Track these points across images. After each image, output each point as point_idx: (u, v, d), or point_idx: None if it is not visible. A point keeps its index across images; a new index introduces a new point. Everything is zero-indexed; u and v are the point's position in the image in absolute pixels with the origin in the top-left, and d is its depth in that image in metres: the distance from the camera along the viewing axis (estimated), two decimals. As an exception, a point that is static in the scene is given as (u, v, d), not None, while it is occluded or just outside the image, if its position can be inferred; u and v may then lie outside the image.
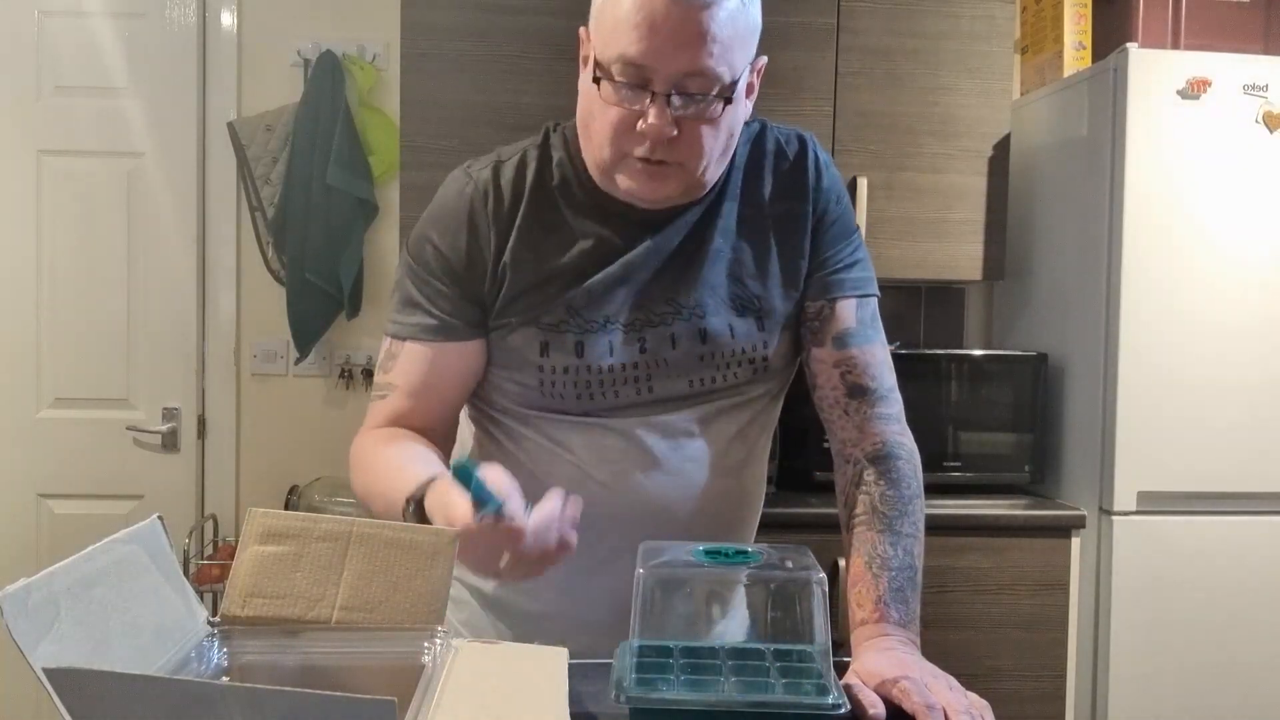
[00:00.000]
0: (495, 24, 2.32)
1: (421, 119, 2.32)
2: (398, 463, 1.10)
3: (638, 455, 1.15)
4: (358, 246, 2.70)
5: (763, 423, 1.23)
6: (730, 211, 1.17)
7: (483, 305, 1.15)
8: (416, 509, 0.98)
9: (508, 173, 1.15)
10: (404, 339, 1.17)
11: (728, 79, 1.02)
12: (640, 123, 1.01)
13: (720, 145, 1.07)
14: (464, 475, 0.89)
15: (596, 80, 1.03)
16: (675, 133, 1.01)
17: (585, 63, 1.10)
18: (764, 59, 1.09)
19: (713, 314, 1.15)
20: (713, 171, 1.10)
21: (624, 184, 1.07)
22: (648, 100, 1.01)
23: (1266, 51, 2.46)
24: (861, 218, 2.40)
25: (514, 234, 1.13)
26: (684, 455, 1.16)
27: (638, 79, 1.00)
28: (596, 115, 1.06)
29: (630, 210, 1.12)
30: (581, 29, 1.11)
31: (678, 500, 1.16)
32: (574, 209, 1.14)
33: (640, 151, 1.04)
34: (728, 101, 1.03)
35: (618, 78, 1.01)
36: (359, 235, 2.70)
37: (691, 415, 1.16)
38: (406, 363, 1.17)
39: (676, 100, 1.01)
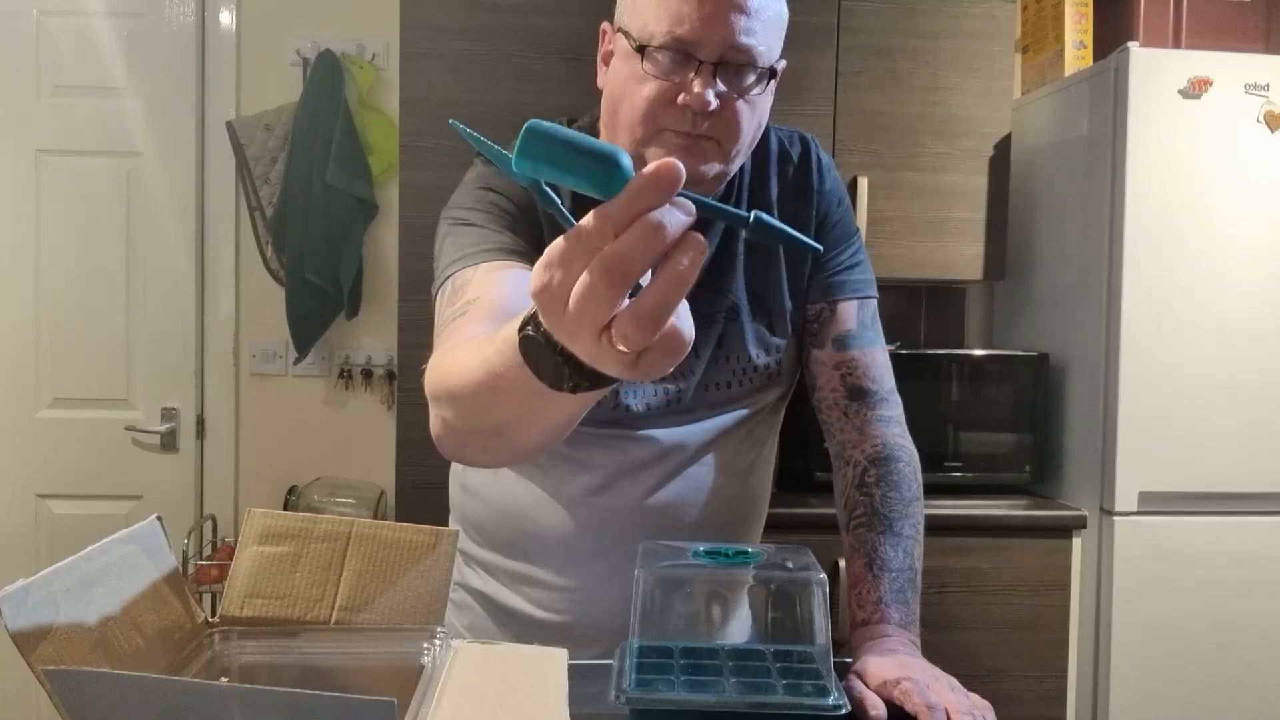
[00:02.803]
0: (495, 24, 2.32)
1: (421, 118, 2.32)
2: (492, 331, 0.78)
3: (659, 466, 1.15)
4: (357, 246, 2.70)
5: (770, 424, 1.24)
6: None
7: None
8: (535, 324, 0.63)
9: None
10: (478, 264, 1.02)
11: (766, 59, 1.03)
12: (682, 95, 1.01)
13: (751, 132, 1.07)
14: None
15: (640, 49, 1.02)
16: (716, 104, 1.01)
17: (606, 60, 1.10)
18: (784, 62, 1.09)
19: (732, 323, 1.15)
20: (740, 159, 1.09)
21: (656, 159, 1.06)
22: (691, 73, 1.01)
23: (1268, 51, 2.46)
24: (861, 218, 2.40)
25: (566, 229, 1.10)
26: (701, 462, 1.16)
27: (682, 50, 1.01)
28: (630, 94, 1.04)
29: None
30: (604, 24, 1.10)
31: (691, 505, 1.16)
32: None
33: (679, 126, 1.03)
34: (772, 76, 1.04)
35: (661, 52, 1.01)
36: (358, 235, 2.70)
37: (707, 421, 1.16)
38: (485, 279, 1.00)
39: (719, 76, 1.01)
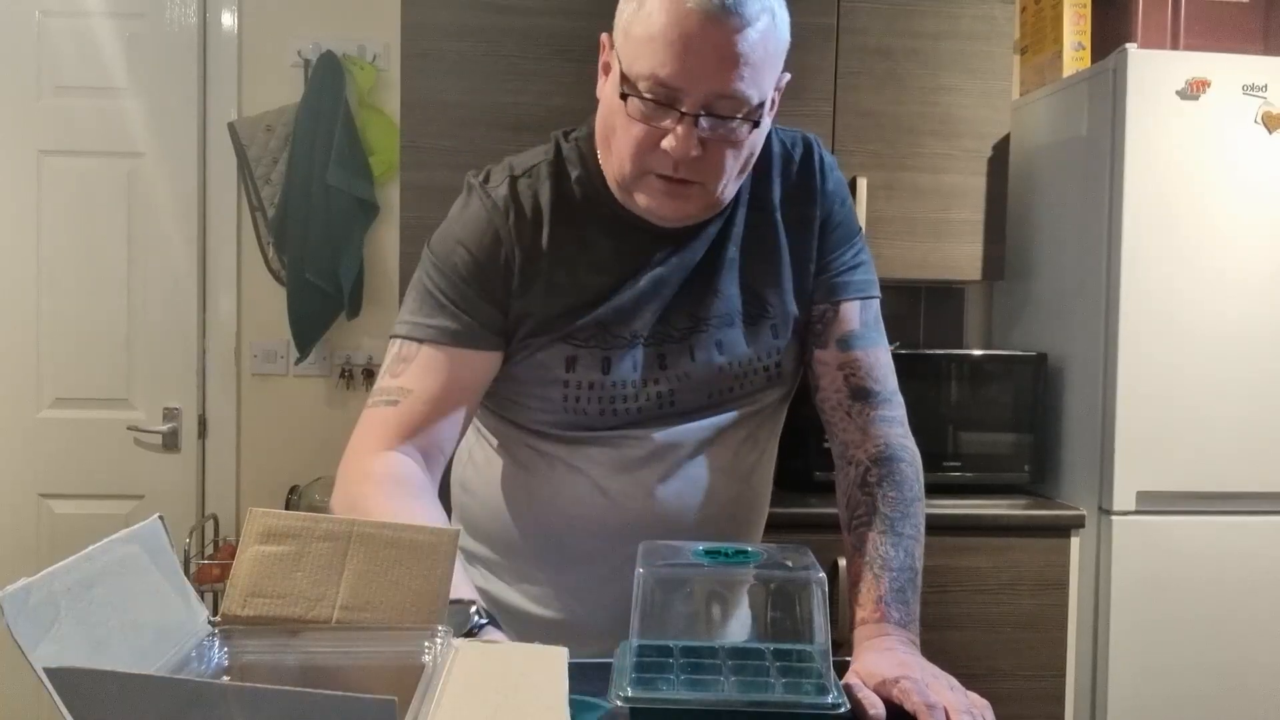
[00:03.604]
0: (495, 24, 2.32)
1: (421, 119, 2.32)
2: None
3: (656, 465, 1.15)
4: (358, 246, 2.70)
5: (772, 426, 1.24)
6: (741, 219, 1.17)
7: (506, 314, 1.12)
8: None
9: (526, 190, 1.13)
10: (421, 341, 1.11)
11: (755, 101, 1.01)
12: (665, 141, 1.00)
13: (740, 164, 1.07)
14: None
15: (624, 96, 1.01)
16: (699, 153, 1.01)
17: (606, 70, 1.09)
18: (788, 75, 1.09)
19: (729, 325, 1.15)
20: (730, 190, 1.09)
21: (643, 202, 1.07)
22: (674, 120, 1.00)
23: (1266, 52, 2.46)
24: (861, 218, 2.40)
25: (544, 255, 1.11)
26: (699, 462, 1.17)
27: (666, 98, 0.99)
28: (619, 129, 1.04)
29: (654, 225, 1.11)
30: (603, 35, 1.09)
31: (692, 507, 1.16)
32: (599, 226, 1.13)
33: (662, 169, 1.03)
34: (755, 125, 1.03)
35: (645, 95, 1.00)
36: (359, 235, 2.70)
37: (708, 423, 1.17)
38: (424, 368, 1.10)
39: (704, 122, 1.00)
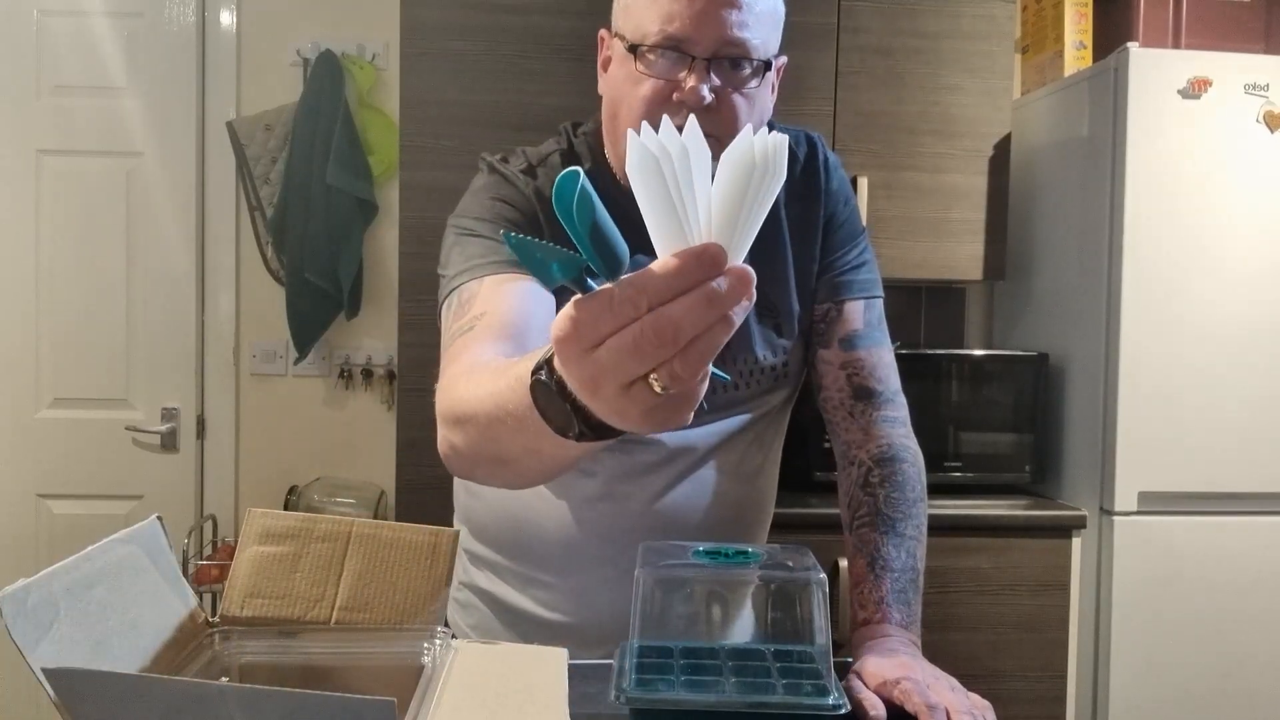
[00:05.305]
0: (495, 24, 2.32)
1: (421, 119, 2.32)
2: (505, 362, 0.84)
3: (663, 467, 1.15)
4: (357, 246, 2.70)
5: (776, 427, 1.24)
6: None
7: None
8: (549, 370, 0.63)
9: (545, 180, 1.12)
10: (484, 276, 1.02)
11: (760, 53, 1.03)
12: (676, 93, 1.01)
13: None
14: (566, 190, 0.52)
15: (633, 49, 1.02)
16: (712, 99, 1.01)
17: (605, 66, 1.10)
18: (784, 58, 1.09)
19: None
20: None
21: None
22: (686, 70, 1.01)
23: (1267, 51, 2.46)
24: (862, 218, 2.39)
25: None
26: (706, 464, 1.16)
27: (676, 48, 1.01)
28: (627, 95, 1.05)
29: None
30: (601, 31, 1.11)
31: (698, 509, 1.16)
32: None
33: (676, 123, 1.03)
34: (766, 68, 1.04)
35: (654, 51, 1.02)
36: (358, 235, 2.70)
37: (718, 427, 1.16)
38: (492, 294, 0.99)
39: (714, 71, 1.01)
